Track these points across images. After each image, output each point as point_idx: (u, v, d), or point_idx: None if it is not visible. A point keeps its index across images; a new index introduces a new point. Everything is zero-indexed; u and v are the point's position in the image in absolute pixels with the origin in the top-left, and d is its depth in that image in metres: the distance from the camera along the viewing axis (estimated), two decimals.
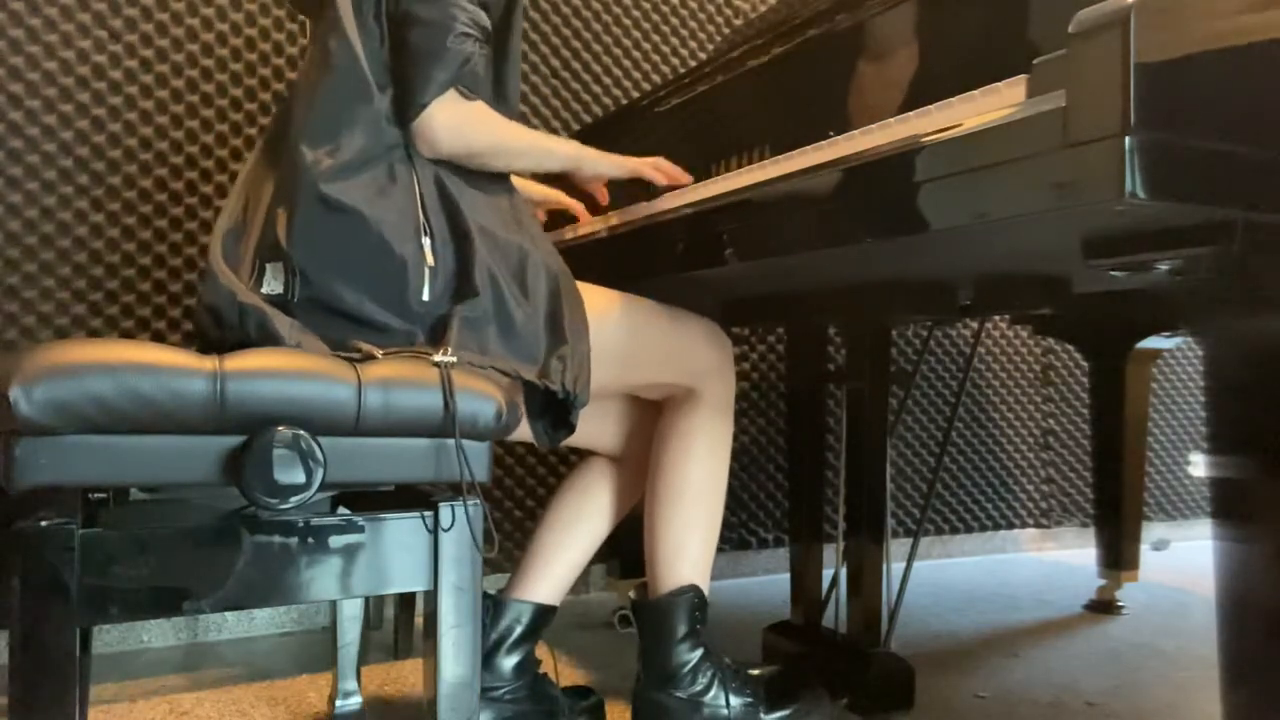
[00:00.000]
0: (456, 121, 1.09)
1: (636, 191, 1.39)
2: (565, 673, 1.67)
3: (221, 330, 0.99)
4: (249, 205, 1.08)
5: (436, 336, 1.03)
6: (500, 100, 1.20)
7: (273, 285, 1.01)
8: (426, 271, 1.04)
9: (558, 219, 1.63)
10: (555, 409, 1.12)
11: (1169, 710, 1.50)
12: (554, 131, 2.21)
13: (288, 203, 1.03)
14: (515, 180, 1.24)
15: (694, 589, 1.29)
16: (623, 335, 1.25)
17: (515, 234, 1.13)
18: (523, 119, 2.17)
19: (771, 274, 1.25)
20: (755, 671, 1.35)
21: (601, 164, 1.31)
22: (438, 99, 1.07)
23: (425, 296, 1.04)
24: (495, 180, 1.17)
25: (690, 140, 1.57)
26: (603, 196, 1.42)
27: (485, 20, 1.13)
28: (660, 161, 1.34)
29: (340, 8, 1.08)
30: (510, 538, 2.13)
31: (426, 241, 1.05)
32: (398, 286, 1.03)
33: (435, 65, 1.06)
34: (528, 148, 1.22)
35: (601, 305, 1.23)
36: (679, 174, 1.34)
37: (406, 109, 1.08)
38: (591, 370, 1.13)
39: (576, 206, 1.54)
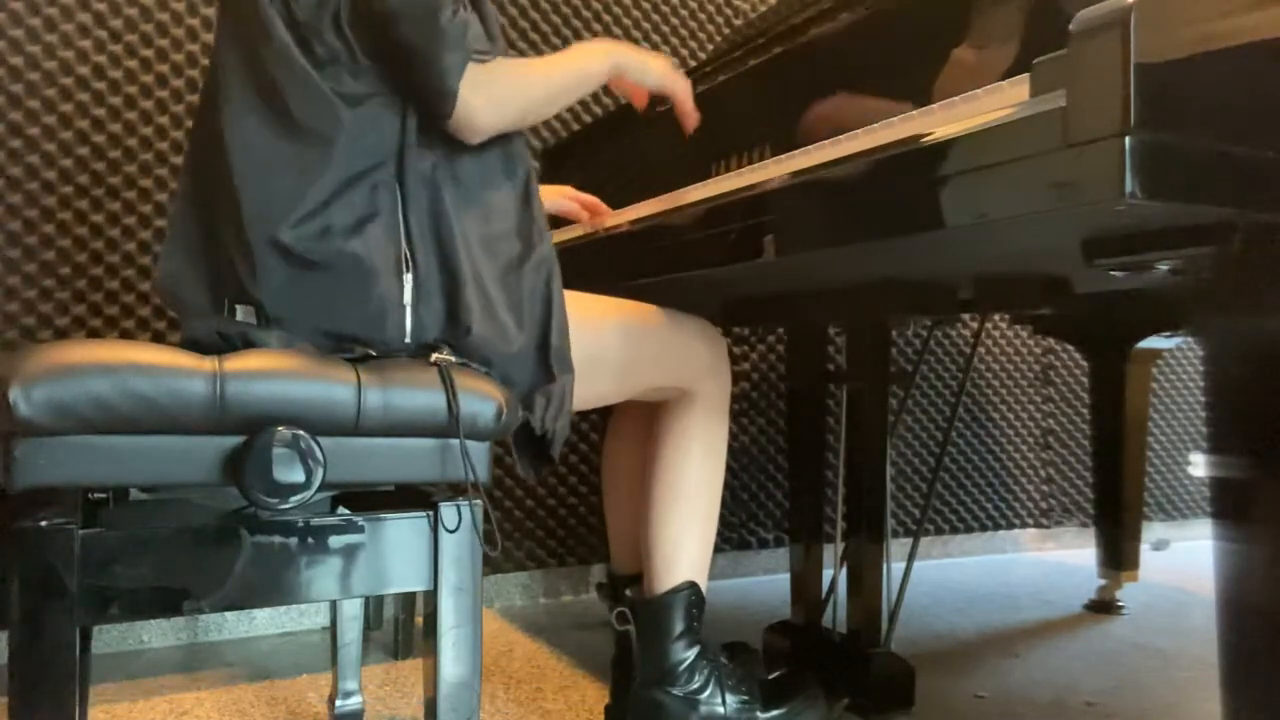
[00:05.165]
0: (489, 94, 1.01)
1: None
2: (565, 671, 1.67)
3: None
4: (194, 246, 1.01)
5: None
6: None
7: (247, 319, 0.97)
8: (408, 310, 0.99)
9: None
10: (535, 443, 1.09)
11: (1169, 710, 1.50)
12: (553, 131, 2.21)
13: (243, 252, 0.95)
14: None
15: (691, 587, 1.29)
16: (620, 348, 1.23)
17: (517, 244, 1.08)
18: None
19: (771, 274, 1.25)
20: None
21: (647, 75, 1.23)
22: (462, 80, 0.99)
23: (407, 339, 0.99)
24: (504, 182, 1.10)
25: (690, 140, 1.57)
26: (640, 100, 1.32)
27: None
28: (687, 88, 1.28)
29: (277, 41, 0.95)
30: (510, 537, 2.12)
31: (409, 277, 0.99)
32: (377, 326, 0.98)
33: (444, 51, 0.97)
34: (566, 84, 1.14)
35: (597, 317, 1.21)
36: (692, 109, 1.29)
37: (439, 105, 0.99)
38: (588, 383, 1.12)
39: (581, 215, 1.53)
